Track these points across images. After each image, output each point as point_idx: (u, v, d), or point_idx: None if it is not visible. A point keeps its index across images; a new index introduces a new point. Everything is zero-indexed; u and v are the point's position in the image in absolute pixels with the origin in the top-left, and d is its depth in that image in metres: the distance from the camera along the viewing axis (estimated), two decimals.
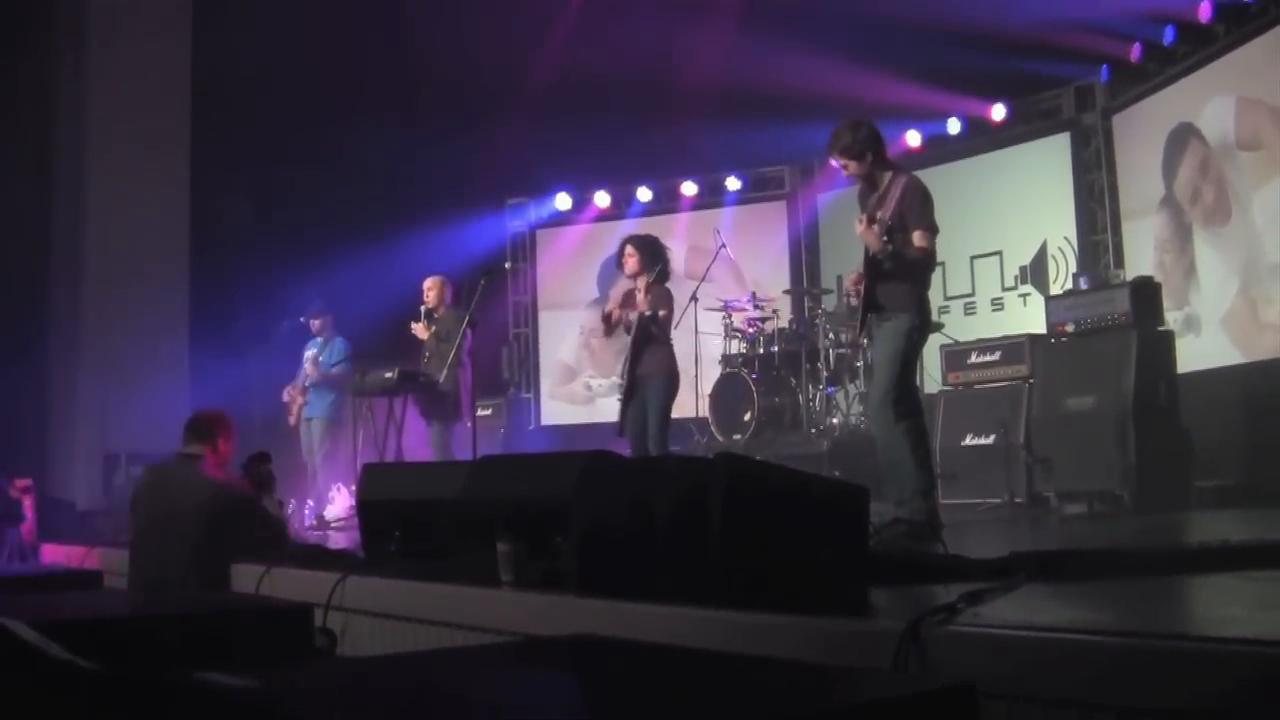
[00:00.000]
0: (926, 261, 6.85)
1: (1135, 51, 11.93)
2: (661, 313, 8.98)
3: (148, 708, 2.55)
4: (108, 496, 11.96)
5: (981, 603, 3.30)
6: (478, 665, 2.87)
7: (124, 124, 13.68)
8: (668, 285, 9.26)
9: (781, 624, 3.36)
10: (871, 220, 6.68)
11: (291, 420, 12.11)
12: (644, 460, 4.70)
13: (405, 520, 5.59)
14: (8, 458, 10.02)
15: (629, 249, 9.29)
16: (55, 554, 9.05)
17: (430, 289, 11.12)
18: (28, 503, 9.51)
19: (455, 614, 4.63)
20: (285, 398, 12.22)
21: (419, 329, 10.95)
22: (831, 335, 12.12)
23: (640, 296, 8.96)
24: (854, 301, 7.73)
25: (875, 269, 6.81)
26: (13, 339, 13.36)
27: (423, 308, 11.03)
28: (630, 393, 9.09)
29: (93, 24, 13.84)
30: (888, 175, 7.00)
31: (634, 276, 9.24)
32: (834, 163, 7.24)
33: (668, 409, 9.06)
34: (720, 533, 3.68)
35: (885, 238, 6.65)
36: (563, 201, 16.67)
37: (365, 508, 6.04)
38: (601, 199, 16.53)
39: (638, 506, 4.06)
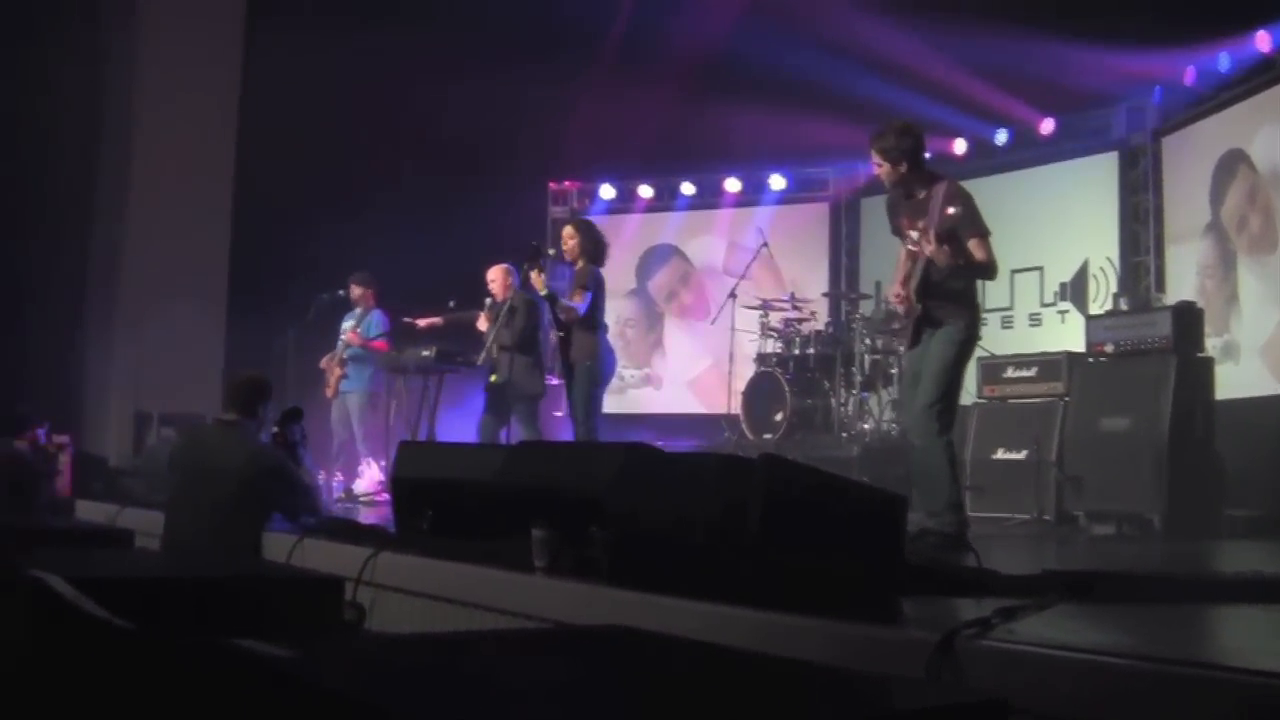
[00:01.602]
0: (991, 269, 6.83)
1: (1190, 75, 11.86)
2: (576, 301, 9.27)
3: (182, 670, 2.57)
4: (138, 456, 12.01)
5: (1015, 619, 3.30)
6: (510, 649, 2.88)
7: (171, 86, 13.74)
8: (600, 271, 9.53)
9: (815, 627, 3.37)
10: (925, 230, 6.65)
11: (328, 392, 12.14)
12: (684, 456, 4.71)
13: (439, 500, 5.61)
14: (45, 412, 10.07)
15: (569, 230, 9.68)
16: (87, 511, 9.12)
17: (493, 280, 10.64)
18: (65, 459, 9.59)
19: (486, 597, 4.65)
20: (322, 365, 12.26)
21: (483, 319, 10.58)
22: (868, 340, 12.09)
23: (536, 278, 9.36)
24: (894, 307, 7.72)
25: (927, 283, 6.78)
26: (52, 295, 13.44)
27: (488, 300, 10.61)
28: (567, 378, 9.37)
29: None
30: (927, 184, 6.95)
31: (574, 259, 9.54)
32: (873, 162, 7.19)
33: (593, 395, 9.23)
34: (758, 533, 3.70)
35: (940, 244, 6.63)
36: (606, 192, 16.69)
37: (399, 485, 6.06)
38: (645, 191, 16.52)
39: (675, 501, 4.08)
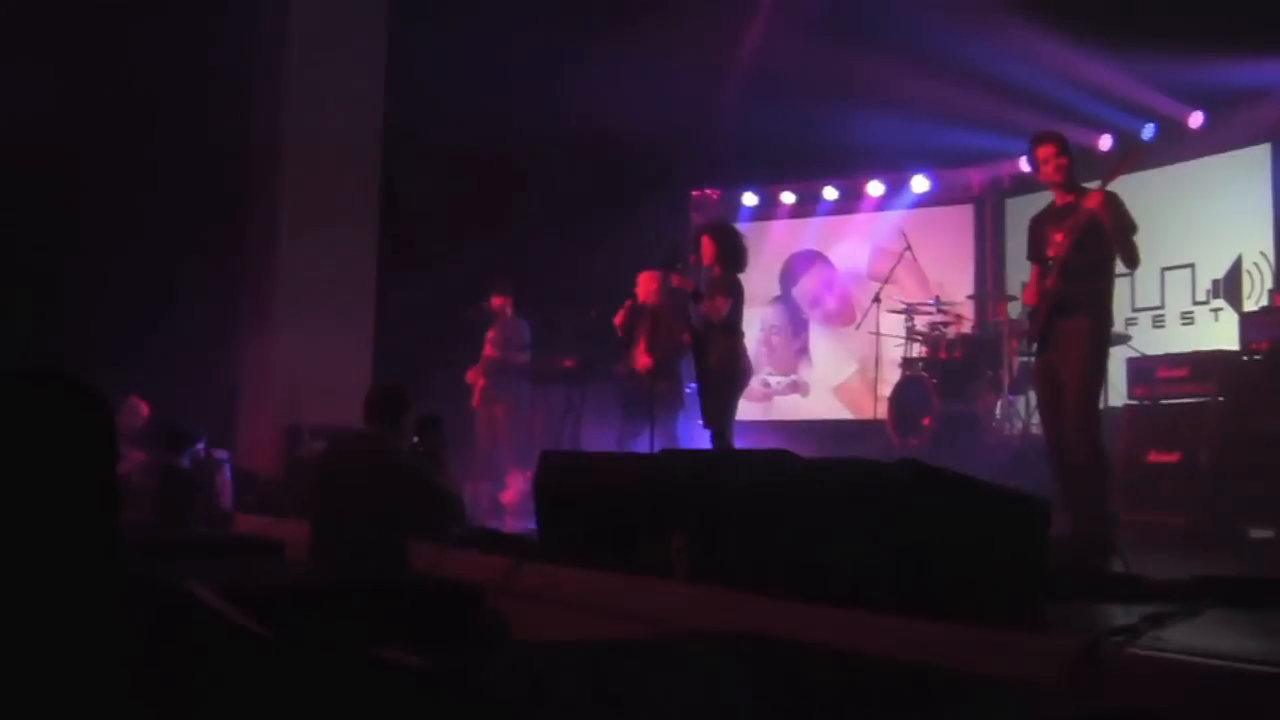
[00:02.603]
0: (1133, 259, 6.93)
1: None
2: (719, 305, 9.16)
3: (326, 678, 2.62)
4: (290, 468, 12.22)
5: (1163, 626, 3.24)
6: (651, 657, 2.89)
7: (318, 100, 13.95)
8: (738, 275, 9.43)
9: (957, 633, 3.33)
10: (1070, 229, 6.69)
11: (475, 403, 12.28)
12: (825, 461, 4.68)
13: (582, 508, 5.64)
14: (202, 427, 10.29)
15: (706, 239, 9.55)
16: (247, 524, 9.34)
17: (643, 286, 10.42)
18: (225, 473, 9.81)
19: (628, 604, 4.67)
20: (469, 379, 12.40)
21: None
22: (1015, 342, 11.92)
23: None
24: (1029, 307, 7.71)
25: (1065, 285, 6.75)
26: (207, 312, 13.76)
27: (631, 303, 10.38)
28: (703, 384, 9.29)
29: (294, 7, 14.17)
30: (1076, 191, 6.98)
31: (711, 266, 9.44)
32: (1028, 164, 7.22)
33: (731, 401, 9.14)
34: (900, 538, 3.67)
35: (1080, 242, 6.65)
36: (749, 199, 16.65)
37: (542, 494, 6.10)
38: (787, 197, 16.46)
39: (816, 507, 4.06)
